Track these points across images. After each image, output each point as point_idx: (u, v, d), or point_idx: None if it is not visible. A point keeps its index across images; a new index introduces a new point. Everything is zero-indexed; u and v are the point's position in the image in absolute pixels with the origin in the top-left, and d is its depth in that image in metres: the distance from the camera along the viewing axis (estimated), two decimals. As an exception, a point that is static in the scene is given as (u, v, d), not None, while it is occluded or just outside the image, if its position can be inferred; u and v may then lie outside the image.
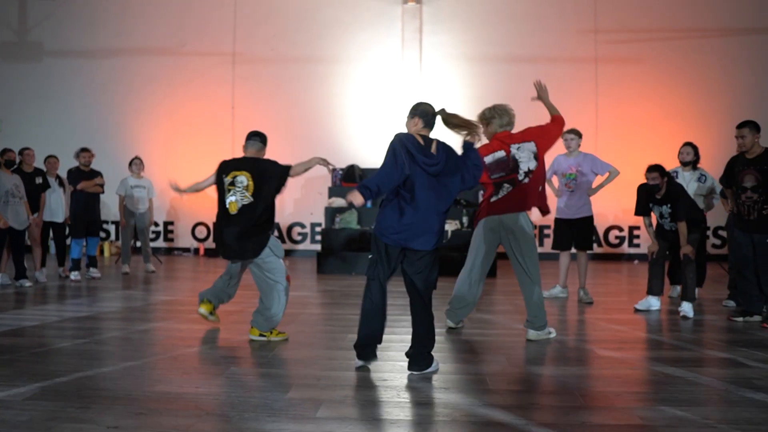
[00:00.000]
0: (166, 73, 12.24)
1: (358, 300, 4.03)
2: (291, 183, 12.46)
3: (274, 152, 11.86)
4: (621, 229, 11.51)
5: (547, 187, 7.23)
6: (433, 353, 3.77)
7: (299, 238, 12.04)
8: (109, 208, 11.49)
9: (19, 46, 12.62)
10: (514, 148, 4.74)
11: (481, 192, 5.12)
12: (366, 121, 11.72)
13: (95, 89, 12.33)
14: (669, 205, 5.87)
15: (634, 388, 3.49)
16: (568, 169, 6.68)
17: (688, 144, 6.93)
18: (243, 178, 4.59)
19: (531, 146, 4.72)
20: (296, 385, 3.46)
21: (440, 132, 4.03)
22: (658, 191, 5.86)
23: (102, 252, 11.69)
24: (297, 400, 3.20)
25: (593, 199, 6.86)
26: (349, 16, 11.91)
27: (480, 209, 4.92)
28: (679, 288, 6.57)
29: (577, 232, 6.65)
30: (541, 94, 5.12)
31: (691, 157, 6.83)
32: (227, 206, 4.59)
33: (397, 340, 4.62)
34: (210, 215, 10.84)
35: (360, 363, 3.76)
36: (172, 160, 11.76)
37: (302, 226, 12.04)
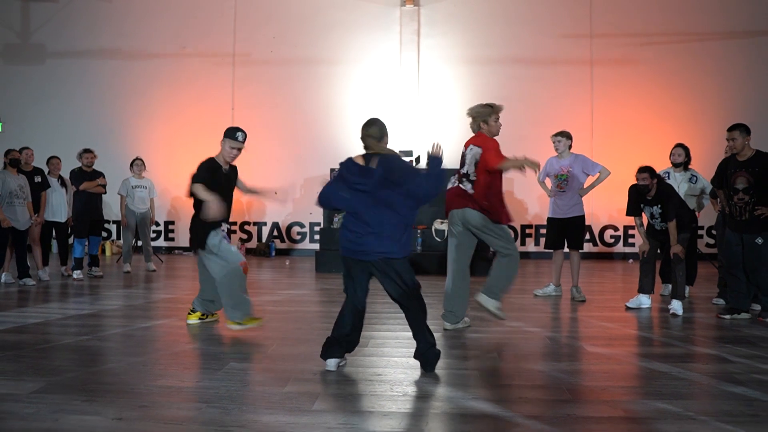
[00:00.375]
0: (167, 75, 12.37)
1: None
2: (291, 183, 12.61)
3: (273, 153, 12.04)
4: (616, 229, 11.64)
5: (539, 188, 7.39)
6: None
7: (298, 237, 12.17)
8: (111, 208, 11.62)
9: (22, 47, 12.76)
10: (467, 148, 5.01)
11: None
12: (365, 121, 11.80)
13: (97, 91, 12.47)
14: (659, 206, 5.99)
15: (620, 383, 3.61)
16: (560, 171, 6.81)
17: (679, 145, 7.05)
18: None
19: (477, 151, 4.88)
20: (293, 379, 3.57)
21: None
22: (648, 192, 5.98)
23: (103, 251, 11.81)
24: (294, 393, 3.32)
25: (587, 198, 6.98)
26: (348, 19, 12.05)
27: None
28: (670, 286, 6.70)
29: (569, 232, 6.78)
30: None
31: (682, 158, 6.95)
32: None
33: (392, 337, 4.75)
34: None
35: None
36: (173, 160, 11.88)
37: (301, 225, 12.16)
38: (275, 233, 12.22)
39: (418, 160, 11.36)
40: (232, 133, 5.04)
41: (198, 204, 4.84)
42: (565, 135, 6.89)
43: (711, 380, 3.61)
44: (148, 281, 8.26)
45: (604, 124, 11.61)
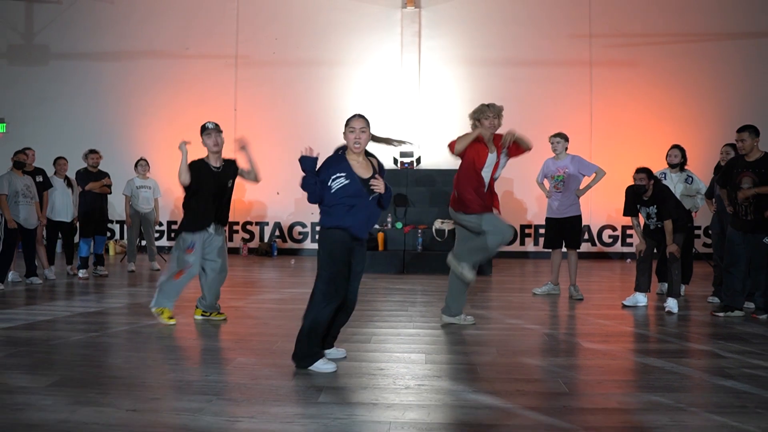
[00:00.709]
0: (170, 76, 12.49)
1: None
2: (292, 183, 12.70)
3: (275, 153, 12.18)
4: (614, 229, 11.76)
5: (538, 188, 7.52)
6: (427, 345, 4.01)
7: (300, 237, 12.29)
8: (114, 207, 11.73)
9: (26, 49, 12.87)
10: None
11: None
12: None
13: (101, 92, 12.58)
14: (655, 206, 6.12)
15: (614, 377, 3.73)
16: (556, 172, 6.94)
17: (675, 146, 7.18)
18: None
19: None
20: (299, 373, 3.70)
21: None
22: (645, 192, 6.11)
23: (107, 251, 11.92)
24: (300, 386, 3.45)
25: (585, 199, 7.11)
26: (349, 21, 12.17)
27: None
28: (665, 284, 6.83)
29: (566, 231, 6.91)
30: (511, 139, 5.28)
31: (678, 159, 7.08)
32: None
33: (393, 333, 4.87)
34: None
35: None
36: (175, 161, 11.92)
37: (303, 225, 12.28)
38: (277, 233, 12.34)
39: (419, 161, 11.49)
40: (202, 128, 5.30)
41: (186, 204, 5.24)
42: (564, 136, 7.02)
43: (703, 374, 3.74)
44: (152, 280, 8.37)
45: (602, 125, 11.73)
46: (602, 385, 3.53)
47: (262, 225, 12.35)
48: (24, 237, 7.58)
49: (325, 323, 3.76)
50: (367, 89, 12.13)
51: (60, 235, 8.58)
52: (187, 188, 5.21)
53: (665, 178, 7.05)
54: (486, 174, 5.19)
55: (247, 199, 12.24)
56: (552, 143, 6.98)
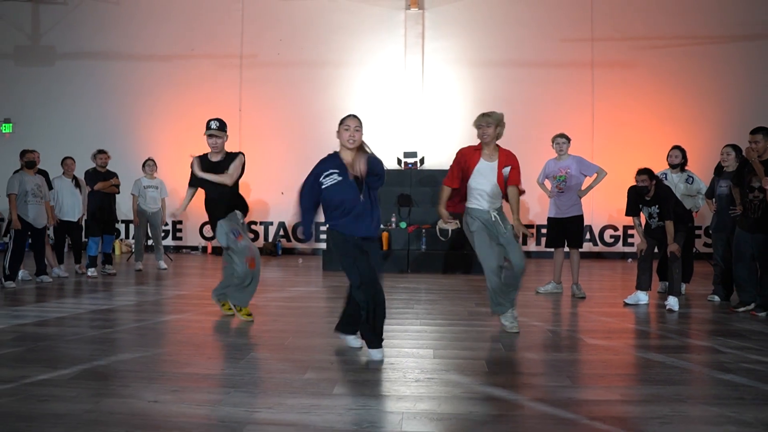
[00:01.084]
0: (175, 76, 12.62)
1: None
2: (296, 183, 12.75)
3: (279, 153, 12.29)
4: (616, 229, 11.88)
5: (538, 188, 7.64)
6: (434, 341, 4.13)
7: (304, 236, 12.39)
8: (120, 207, 11.85)
9: (32, 49, 13.00)
10: None
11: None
12: (370, 123, 12.03)
13: (106, 92, 12.71)
14: (657, 206, 6.24)
15: (617, 371, 3.86)
16: (558, 172, 7.06)
17: (676, 147, 7.30)
18: None
19: None
20: (312, 367, 3.82)
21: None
22: (647, 193, 6.23)
23: (113, 250, 12.03)
24: (314, 380, 3.57)
25: (587, 199, 7.23)
26: (353, 22, 12.30)
27: None
28: (666, 283, 6.96)
29: (568, 231, 7.03)
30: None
31: (679, 159, 7.20)
32: None
33: (401, 330, 4.99)
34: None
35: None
36: (181, 161, 12.10)
37: (307, 225, 12.38)
38: (281, 232, 12.47)
39: (422, 161, 11.61)
40: (207, 125, 5.36)
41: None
42: (566, 137, 7.14)
43: (702, 369, 3.86)
44: (160, 279, 8.50)
45: (604, 126, 11.86)
46: (605, 378, 3.65)
47: (266, 225, 12.47)
48: (33, 236, 7.70)
49: (366, 303, 3.92)
50: (371, 90, 12.26)
51: (68, 234, 8.71)
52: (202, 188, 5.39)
53: (666, 179, 7.18)
54: (475, 183, 5.01)
55: (251, 199, 12.36)
56: (557, 144, 7.09)
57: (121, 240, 12.45)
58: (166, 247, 12.13)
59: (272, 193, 12.21)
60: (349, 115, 4.10)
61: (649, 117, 11.80)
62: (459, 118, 12.12)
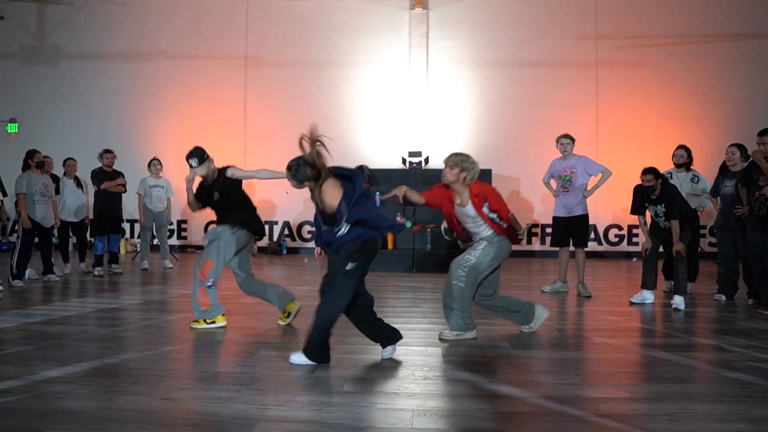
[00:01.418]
0: (180, 77, 12.66)
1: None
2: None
3: (283, 153, 12.23)
4: (620, 228, 11.88)
5: (544, 188, 7.64)
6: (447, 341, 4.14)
7: (308, 236, 12.44)
8: (124, 207, 11.89)
9: (38, 49, 13.05)
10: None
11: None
12: (374, 123, 12.13)
13: (112, 92, 12.76)
14: (663, 205, 6.25)
15: (624, 369, 3.88)
16: (563, 172, 7.07)
17: (681, 147, 7.31)
18: None
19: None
20: (321, 366, 3.84)
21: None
22: (653, 192, 6.24)
23: (118, 250, 12.07)
24: (324, 377, 3.60)
25: (591, 198, 7.25)
26: (358, 22, 12.32)
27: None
28: (671, 283, 6.96)
29: (573, 230, 7.04)
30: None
31: (684, 159, 7.21)
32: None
33: (409, 329, 5.01)
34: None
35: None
36: (186, 161, 12.15)
37: (312, 224, 12.43)
38: (286, 232, 12.50)
39: (427, 160, 11.63)
40: (188, 163, 5.34)
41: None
42: (571, 138, 7.16)
43: (710, 367, 3.88)
44: (166, 278, 8.53)
45: (608, 126, 11.86)
46: (613, 376, 3.67)
47: (271, 224, 12.50)
48: (41, 235, 7.74)
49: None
50: (376, 90, 12.29)
51: (72, 234, 8.74)
52: None
53: (671, 178, 7.17)
54: (468, 227, 4.84)
55: (256, 198, 12.37)
56: (562, 144, 7.11)
57: (127, 239, 12.49)
58: (171, 246, 12.16)
59: (277, 193, 12.23)
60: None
61: (654, 116, 11.80)
62: (463, 117, 12.15)
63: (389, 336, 4.10)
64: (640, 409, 3.09)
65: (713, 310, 6.05)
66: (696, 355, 4.22)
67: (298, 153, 4.02)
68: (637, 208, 6.50)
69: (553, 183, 7.34)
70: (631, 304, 6.34)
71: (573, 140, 7.18)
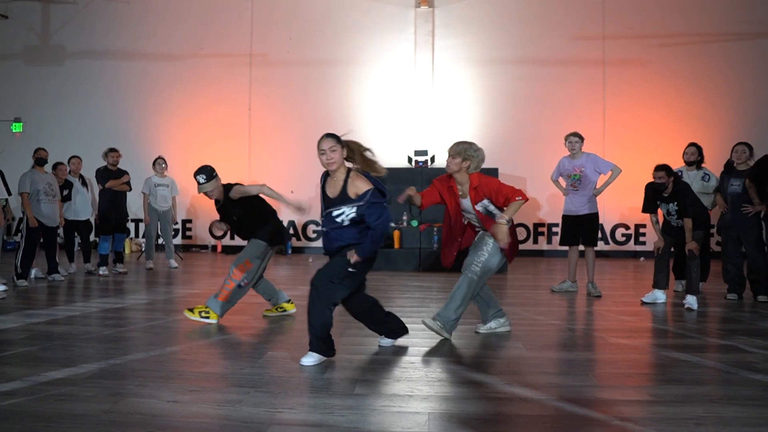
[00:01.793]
0: (185, 76, 12.59)
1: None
2: (306, 181, 12.71)
3: (289, 152, 12.24)
4: (627, 227, 11.78)
5: (552, 187, 7.53)
6: (454, 340, 4.07)
7: (314, 235, 12.36)
8: (129, 206, 11.82)
9: (42, 49, 13.00)
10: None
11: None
12: (380, 121, 12.03)
13: (116, 91, 12.70)
14: (676, 203, 6.15)
15: (643, 370, 3.78)
16: (572, 170, 6.97)
17: (692, 144, 7.21)
18: None
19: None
20: (331, 367, 3.76)
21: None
22: (665, 189, 6.15)
23: (124, 249, 12.00)
24: (335, 379, 3.51)
25: (601, 197, 7.14)
26: (363, 20, 12.24)
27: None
28: (683, 282, 6.87)
29: (583, 228, 6.94)
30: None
31: (695, 157, 7.11)
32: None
33: (419, 329, 4.91)
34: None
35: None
36: (191, 160, 12.07)
37: (317, 224, 12.34)
38: (291, 231, 12.41)
39: (432, 159, 11.54)
40: (196, 180, 5.31)
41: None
42: (579, 136, 7.05)
43: (730, 368, 3.77)
44: (171, 277, 8.46)
45: (616, 124, 11.75)
46: (632, 378, 3.57)
47: (276, 223, 12.41)
48: (45, 235, 7.67)
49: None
50: (381, 88, 12.20)
51: (77, 233, 8.67)
52: None
53: (682, 176, 7.06)
54: (466, 214, 4.71)
55: (261, 197, 12.31)
56: (570, 143, 7.00)
57: (131, 239, 12.42)
58: (176, 246, 12.09)
59: (282, 192, 12.04)
60: (323, 136, 3.84)
61: (661, 115, 11.69)
62: (469, 116, 12.05)
63: (390, 329, 4.31)
64: (664, 412, 2.99)
65: (727, 309, 5.95)
66: (715, 356, 4.12)
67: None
68: (649, 206, 6.41)
69: (562, 181, 7.24)
70: (643, 303, 6.25)
71: (582, 138, 7.08)
